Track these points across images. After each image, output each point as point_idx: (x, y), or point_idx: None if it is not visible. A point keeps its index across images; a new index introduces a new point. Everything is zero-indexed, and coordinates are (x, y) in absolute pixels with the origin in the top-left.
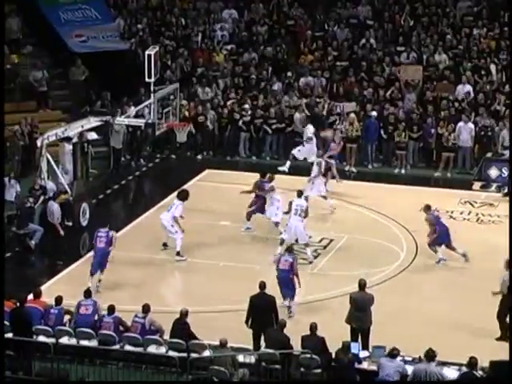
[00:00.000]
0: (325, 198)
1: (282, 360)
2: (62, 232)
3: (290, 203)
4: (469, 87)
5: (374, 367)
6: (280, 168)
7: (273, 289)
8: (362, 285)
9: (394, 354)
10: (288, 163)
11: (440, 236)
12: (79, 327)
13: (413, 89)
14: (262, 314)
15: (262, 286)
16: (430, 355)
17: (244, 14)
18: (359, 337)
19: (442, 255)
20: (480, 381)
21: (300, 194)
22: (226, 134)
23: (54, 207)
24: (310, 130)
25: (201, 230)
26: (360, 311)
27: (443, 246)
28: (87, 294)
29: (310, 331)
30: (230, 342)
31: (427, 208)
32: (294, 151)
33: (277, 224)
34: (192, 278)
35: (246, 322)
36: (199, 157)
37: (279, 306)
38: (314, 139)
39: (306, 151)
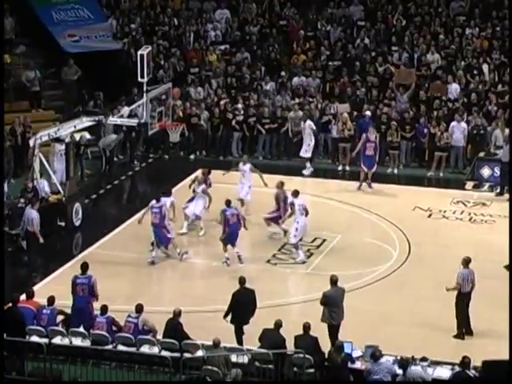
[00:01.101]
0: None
1: (276, 360)
2: (41, 240)
3: (292, 204)
4: (460, 87)
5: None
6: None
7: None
8: (334, 281)
9: (376, 356)
10: (308, 166)
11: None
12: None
13: (405, 90)
14: (244, 308)
15: (243, 280)
16: (403, 364)
17: (237, 13)
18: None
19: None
20: (473, 380)
21: (297, 193)
22: (219, 134)
23: (33, 215)
24: (311, 125)
25: (193, 230)
26: (335, 307)
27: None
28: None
29: (304, 331)
30: (224, 342)
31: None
32: (302, 153)
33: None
34: (185, 278)
35: (225, 316)
36: (192, 157)
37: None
38: (313, 136)
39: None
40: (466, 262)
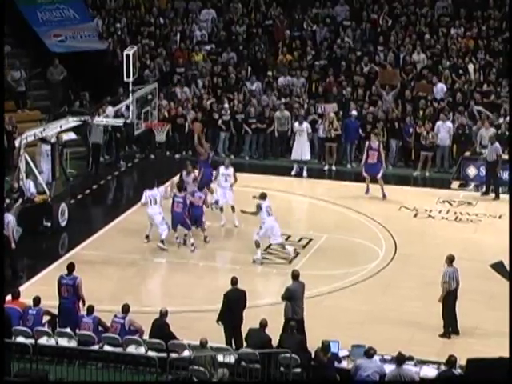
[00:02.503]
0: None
1: (262, 359)
2: (13, 245)
3: (259, 206)
4: (446, 86)
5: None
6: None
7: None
8: (296, 275)
9: (370, 353)
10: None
11: None
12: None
13: (391, 89)
14: (235, 308)
15: (235, 281)
16: (400, 359)
17: (223, 13)
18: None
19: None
20: (459, 379)
21: (264, 196)
22: (205, 134)
23: (9, 218)
24: (308, 127)
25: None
26: (298, 301)
27: None
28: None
29: (290, 330)
30: (211, 341)
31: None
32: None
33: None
34: (172, 279)
35: (219, 319)
36: (177, 156)
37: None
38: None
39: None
40: (450, 260)
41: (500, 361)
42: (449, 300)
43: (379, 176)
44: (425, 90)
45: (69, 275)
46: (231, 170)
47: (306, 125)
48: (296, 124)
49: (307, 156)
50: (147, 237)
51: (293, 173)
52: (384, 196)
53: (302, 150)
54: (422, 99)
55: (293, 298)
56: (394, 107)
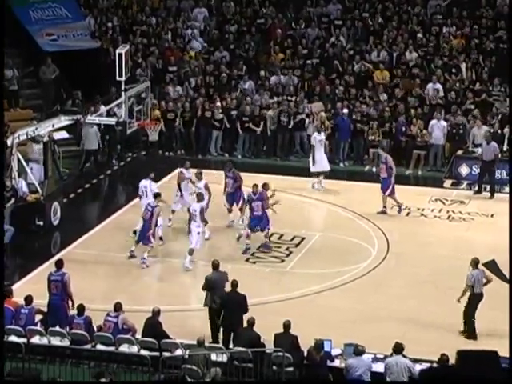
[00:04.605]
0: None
1: (255, 358)
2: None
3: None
4: (439, 85)
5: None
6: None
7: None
8: (216, 265)
9: (359, 351)
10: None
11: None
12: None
13: (384, 88)
14: (234, 312)
15: (235, 284)
16: (399, 348)
17: (215, 12)
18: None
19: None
20: (449, 370)
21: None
22: (197, 132)
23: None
24: (321, 136)
25: (174, 230)
26: (217, 290)
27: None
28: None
29: (284, 329)
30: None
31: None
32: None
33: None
34: (165, 278)
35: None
36: (170, 154)
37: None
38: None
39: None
40: (475, 262)
41: (491, 353)
42: (475, 302)
43: (386, 193)
44: (408, 87)
45: (57, 271)
46: (203, 182)
47: (323, 134)
48: (316, 134)
49: (328, 167)
50: (134, 232)
51: (316, 186)
52: (384, 211)
53: (324, 160)
54: (412, 98)
55: (212, 287)
56: (386, 105)
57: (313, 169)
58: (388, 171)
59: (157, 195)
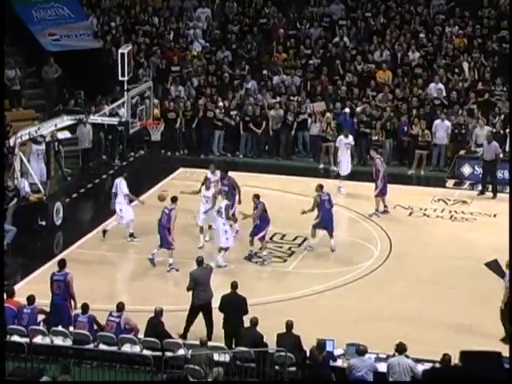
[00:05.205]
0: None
1: (257, 358)
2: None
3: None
4: (441, 85)
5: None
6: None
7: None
8: (200, 261)
9: (361, 351)
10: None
11: (322, 220)
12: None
13: (386, 88)
14: (234, 314)
15: (235, 285)
16: (401, 348)
17: (218, 12)
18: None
19: (313, 242)
20: (453, 371)
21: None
22: (199, 132)
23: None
24: (348, 139)
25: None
26: (201, 286)
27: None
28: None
29: (286, 329)
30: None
31: (319, 187)
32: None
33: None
34: (166, 277)
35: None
36: (173, 154)
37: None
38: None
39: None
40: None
41: (493, 354)
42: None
43: (374, 194)
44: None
45: (60, 271)
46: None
47: (351, 138)
48: (342, 137)
49: (349, 170)
50: (131, 235)
51: (343, 191)
52: (385, 211)
53: (344, 164)
54: (415, 97)
55: (196, 283)
56: (389, 105)
57: (341, 172)
58: (376, 174)
59: (174, 199)
